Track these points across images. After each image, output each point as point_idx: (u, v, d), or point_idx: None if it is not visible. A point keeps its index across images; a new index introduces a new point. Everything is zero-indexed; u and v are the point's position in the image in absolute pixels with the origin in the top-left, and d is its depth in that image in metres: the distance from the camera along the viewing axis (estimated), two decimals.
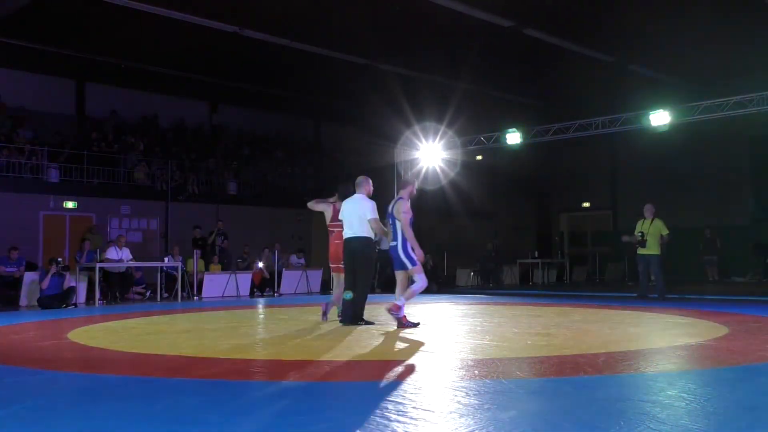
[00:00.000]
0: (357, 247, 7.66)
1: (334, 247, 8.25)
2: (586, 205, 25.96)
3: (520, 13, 14.56)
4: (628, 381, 4.44)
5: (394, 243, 7.67)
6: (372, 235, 7.75)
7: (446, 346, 6.31)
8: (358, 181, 7.97)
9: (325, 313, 8.40)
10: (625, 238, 12.80)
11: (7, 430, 3.36)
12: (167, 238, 17.64)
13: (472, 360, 5.30)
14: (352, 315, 7.74)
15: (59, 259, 12.34)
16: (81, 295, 13.05)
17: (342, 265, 7.96)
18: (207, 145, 20.89)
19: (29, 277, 12.69)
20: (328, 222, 8.45)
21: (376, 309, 8.49)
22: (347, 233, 7.74)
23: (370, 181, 8.01)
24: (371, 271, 8.27)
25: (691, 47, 15.89)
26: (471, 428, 3.21)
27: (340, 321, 7.99)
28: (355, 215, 7.67)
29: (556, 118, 15.09)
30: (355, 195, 7.90)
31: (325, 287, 16.76)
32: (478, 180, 21.30)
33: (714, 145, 19.39)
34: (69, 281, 12.23)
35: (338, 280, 8.29)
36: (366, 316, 7.90)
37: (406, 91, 16.84)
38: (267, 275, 16.08)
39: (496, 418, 3.40)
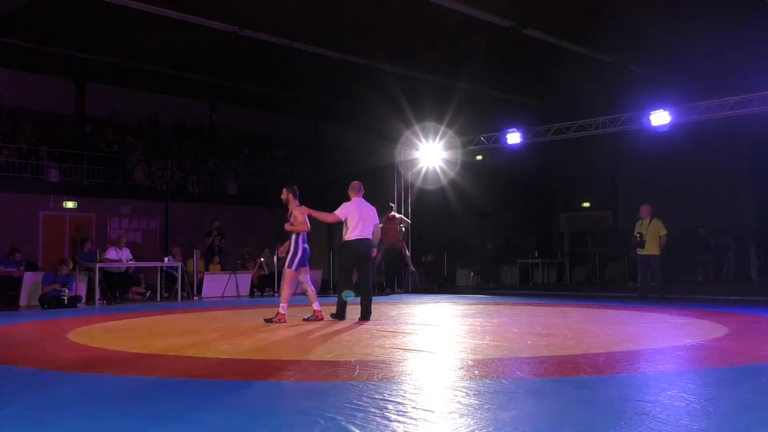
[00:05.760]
0: (369, 248, 8.34)
1: None
2: (586, 205, 25.92)
3: (520, 13, 14.54)
4: (628, 381, 4.44)
5: None
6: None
7: (446, 346, 6.31)
8: (360, 186, 8.51)
9: None
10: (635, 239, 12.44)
11: (7, 430, 3.36)
12: (167, 238, 17.62)
13: (472, 360, 5.30)
14: (364, 311, 8.27)
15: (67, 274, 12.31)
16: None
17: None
18: (207, 145, 20.87)
19: (29, 277, 12.68)
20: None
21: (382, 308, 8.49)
22: (364, 234, 8.20)
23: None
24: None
25: (691, 47, 15.86)
26: (471, 428, 3.21)
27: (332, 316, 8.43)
28: (370, 219, 8.34)
29: (556, 118, 15.07)
30: (361, 198, 8.43)
31: (325, 287, 16.74)
32: (478, 180, 21.26)
33: (714, 145, 19.35)
34: (74, 290, 12.23)
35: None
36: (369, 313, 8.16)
37: (406, 91, 16.81)
38: (266, 271, 16.02)
39: (496, 418, 3.40)
